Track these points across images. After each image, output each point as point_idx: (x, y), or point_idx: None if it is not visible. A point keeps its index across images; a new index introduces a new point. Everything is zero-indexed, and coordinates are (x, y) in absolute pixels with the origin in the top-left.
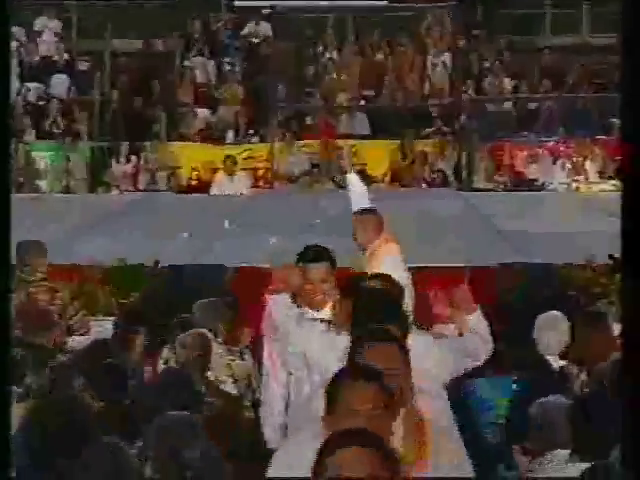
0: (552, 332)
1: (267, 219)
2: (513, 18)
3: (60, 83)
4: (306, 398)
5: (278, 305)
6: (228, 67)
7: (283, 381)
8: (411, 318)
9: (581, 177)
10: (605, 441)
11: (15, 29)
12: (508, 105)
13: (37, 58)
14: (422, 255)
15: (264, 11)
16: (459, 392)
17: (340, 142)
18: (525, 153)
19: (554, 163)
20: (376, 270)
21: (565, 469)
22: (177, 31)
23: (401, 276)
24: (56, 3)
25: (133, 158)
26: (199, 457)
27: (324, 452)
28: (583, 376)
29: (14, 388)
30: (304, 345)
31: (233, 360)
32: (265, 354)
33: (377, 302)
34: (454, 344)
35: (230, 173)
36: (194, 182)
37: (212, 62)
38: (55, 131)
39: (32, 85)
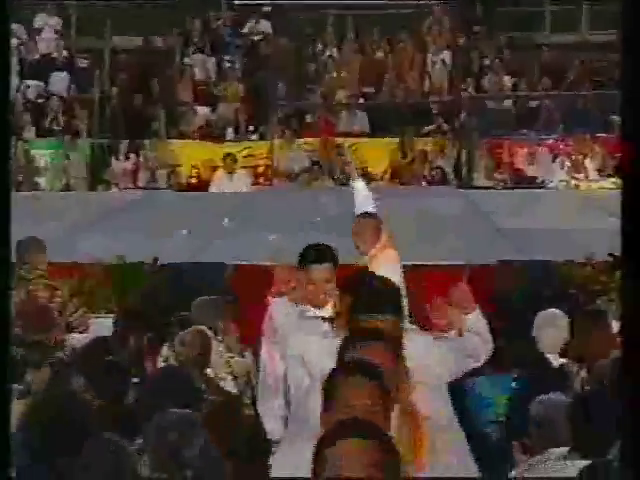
0: (552, 329)
1: (267, 217)
2: (513, 15)
3: (60, 81)
4: (304, 393)
5: (279, 308)
6: (228, 64)
7: (281, 375)
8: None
9: (581, 175)
10: (605, 439)
11: (15, 26)
12: (508, 103)
13: (37, 55)
14: (422, 253)
15: (264, 9)
16: (459, 390)
17: (340, 141)
18: (525, 151)
19: (554, 161)
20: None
21: (564, 467)
22: (177, 28)
23: (397, 282)
24: (56, 2)
25: (133, 156)
26: (199, 455)
27: (324, 443)
28: (583, 374)
29: (14, 386)
30: (303, 349)
31: (232, 357)
32: (263, 349)
33: (377, 291)
34: (454, 344)
35: (230, 171)
36: (194, 180)
37: (212, 59)
38: (55, 129)
39: (32, 83)
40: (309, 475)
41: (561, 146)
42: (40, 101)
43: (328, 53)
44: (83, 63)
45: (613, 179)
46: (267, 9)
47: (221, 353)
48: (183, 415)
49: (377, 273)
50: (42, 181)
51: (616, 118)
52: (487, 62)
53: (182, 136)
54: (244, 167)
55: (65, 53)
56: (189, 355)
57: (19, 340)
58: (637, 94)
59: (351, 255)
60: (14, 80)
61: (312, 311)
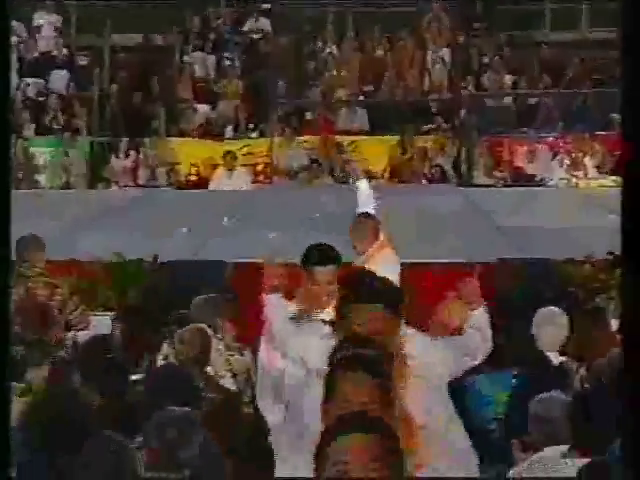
0: (551, 327)
1: (266, 214)
2: (512, 13)
3: (59, 78)
4: (302, 394)
5: (273, 307)
6: (228, 62)
7: (279, 376)
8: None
9: (580, 173)
10: (604, 437)
11: (14, 24)
12: (508, 100)
13: (36, 53)
14: (421, 251)
15: (264, 6)
16: (459, 388)
17: (340, 139)
18: (525, 149)
19: (553, 159)
20: None
21: (563, 466)
22: (176, 26)
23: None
24: (56, 0)
25: (132, 154)
26: (198, 453)
27: (325, 439)
28: (582, 372)
29: (14, 383)
30: (303, 351)
31: (232, 355)
32: (261, 349)
33: (371, 283)
34: (453, 343)
35: (230, 169)
36: (193, 178)
37: (212, 57)
38: (54, 126)
39: (31, 80)
40: (308, 475)
41: (561, 144)
42: (40, 99)
43: (328, 51)
44: (83, 61)
45: (613, 177)
46: (267, 7)
47: (221, 351)
48: (182, 413)
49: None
50: (42, 179)
51: (616, 116)
52: (487, 60)
53: (182, 134)
54: (244, 165)
55: (65, 51)
56: (189, 353)
57: (19, 338)
58: (637, 92)
59: (350, 254)
60: (13, 78)
61: (314, 313)
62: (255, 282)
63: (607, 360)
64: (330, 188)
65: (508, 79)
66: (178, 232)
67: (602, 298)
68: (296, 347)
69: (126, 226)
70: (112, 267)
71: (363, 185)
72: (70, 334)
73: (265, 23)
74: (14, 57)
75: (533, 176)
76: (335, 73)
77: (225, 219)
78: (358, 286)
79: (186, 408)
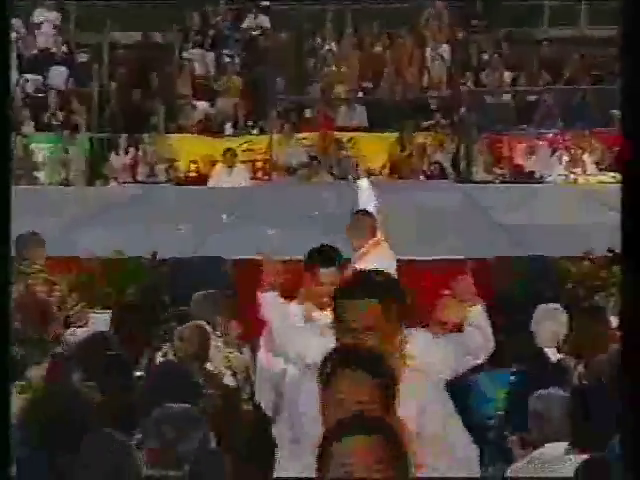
0: (550, 324)
1: (265, 211)
2: (512, 10)
3: (59, 75)
4: (299, 394)
5: (269, 305)
6: (227, 59)
7: (279, 377)
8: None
9: (579, 169)
10: (603, 433)
11: (13, 21)
12: (507, 97)
13: (35, 50)
14: (420, 248)
15: (263, 3)
16: (461, 387)
17: (339, 135)
18: (524, 145)
19: (552, 155)
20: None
21: (562, 466)
22: (176, 23)
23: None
24: None
25: (132, 150)
26: (197, 449)
27: (327, 442)
28: (581, 369)
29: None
30: (304, 352)
31: (231, 353)
32: (261, 350)
33: (365, 276)
34: (454, 340)
35: (230, 165)
36: (193, 174)
37: (211, 54)
38: (54, 123)
39: (30, 77)
40: (307, 475)
41: (560, 140)
42: (39, 95)
43: (327, 48)
44: (82, 58)
45: (612, 173)
46: (266, 3)
47: (219, 348)
48: (182, 410)
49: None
50: (41, 175)
51: (615, 112)
52: (486, 57)
53: (181, 130)
54: (243, 162)
55: (64, 48)
56: (188, 350)
57: (18, 334)
58: (637, 90)
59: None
60: (13, 74)
61: (317, 313)
62: (254, 279)
63: (606, 357)
64: (329, 185)
65: (507, 76)
66: (174, 230)
67: (601, 295)
68: (296, 347)
69: (125, 223)
70: (111, 264)
71: (364, 184)
72: (69, 331)
73: (264, 20)
74: (13, 54)
75: (532, 173)
76: (334, 70)
77: (224, 216)
78: (350, 283)
79: (185, 405)
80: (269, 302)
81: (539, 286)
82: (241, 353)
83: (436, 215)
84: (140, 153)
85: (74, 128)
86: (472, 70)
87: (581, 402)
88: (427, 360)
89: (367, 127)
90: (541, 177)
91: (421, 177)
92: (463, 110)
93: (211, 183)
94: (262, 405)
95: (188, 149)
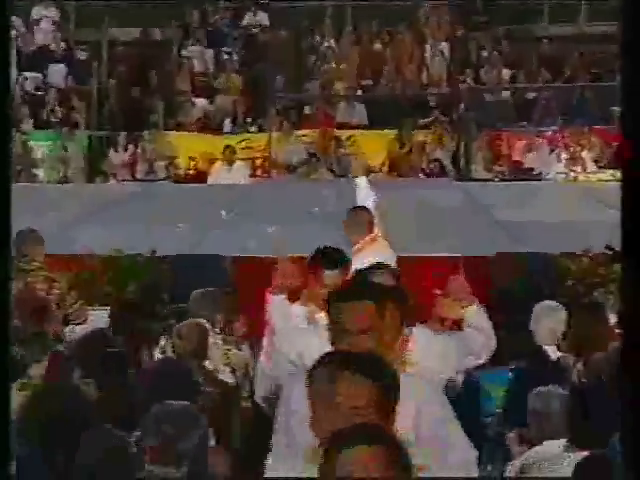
0: (549, 321)
1: (265, 208)
2: (511, 7)
3: (58, 72)
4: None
5: (277, 309)
6: (226, 56)
7: (279, 379)
8: None
9: (579, 167)
10: (602, 431)
11: (12, 18)
12: (506, 95)
13: (34, 47)
14: (419, 245)
15: (262, 0)
16: (464, 385)
17: (338, 133)
18: (523, 143)
19: (552, 153)
20: (359, 266)
21: (561, 458)
22: (175, 21)
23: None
24: None
25: (131, 148)
26: (197, 446)
27: (330, 451)
28: (580, 366)
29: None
30: (305, 353)
31: (230, 350)
32: (263, 351)
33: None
34: (455, 337)
35: (229, 163)
36: (192, 172)
37: (210, 51)
38: (53, 120)
39: (29, 74)
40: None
41: (559, 138)
42: (38, 93)
43: (326, 45)
44: (81, 55)
45: (611, 171)
46: (265, 0)
47: (219, 345)
48: (181, 407)
49: (364, 264)
50: (40, 173)
51: (615, 109)
52: (485, 54)
53: (180, 128)
54: (242, 159)
55: (63, 45)
56: (186, 347)
57: (17, 332)
58: (637, 88)
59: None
60: (12, 72)
61: (320, 315)
62: (254, 276)
63: (605, 355)
64: (329, 182)
65: (507, 73)
66: (173, 228)
67: (600, 292)
68: (298, 348)
69: (124, 220)
70: (110, 261)
71: (362, 182)
72: (68, 328)
73: (263, 17)
74: (13, 51)
75: (531, 170)
76: (334, 67)
77: (223, 213)
78: (345, 285)
79: (185, 402)
80: (276, 305)
81: (538, 283)
82: (240, 350)
83: (435, 212)
84: (139, 150)
85: (73, 125)
86: (472, 67)
87: (580, 400)
88: (428, 357)
89: (366, 124)
90: (540, 174)
91: (420, 175)
92: (462, 107)
93: (210, 180)
94: (261, 404)
95: (187, 146)
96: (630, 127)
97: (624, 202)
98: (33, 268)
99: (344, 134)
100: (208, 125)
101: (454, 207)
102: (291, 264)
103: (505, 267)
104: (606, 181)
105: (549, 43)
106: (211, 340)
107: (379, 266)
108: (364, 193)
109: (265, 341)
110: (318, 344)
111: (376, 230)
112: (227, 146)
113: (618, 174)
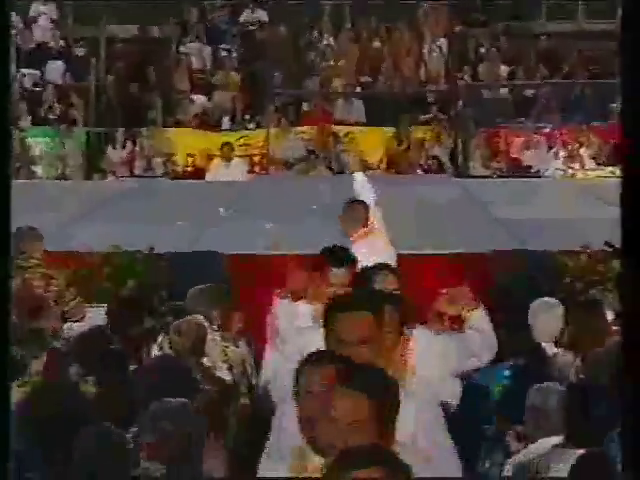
0: (547, 318)
1: (263, 205)
2: (510, 4)
3: (56, 69)
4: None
5: (283, 314)
6: (224, 53)
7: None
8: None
9: (577, 164)
10: (599, 428)
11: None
12: (504, 91)
13: (32, 44)
14: (417, 242)
15: None
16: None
17: (336, 129)
18: (521, 140)
19: (550, 150)
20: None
21: (559, 455)
22: (173, 17)
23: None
24: None
25: (129, 144)
26: (195, 443)
27: (332, 474)
28: (577, 363)
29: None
30: (309, 350)
31: (227, 347)
32: (266, 354)
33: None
34: (455, 337)
35: (227, 159)
36: (190, 168)
37: (208, 48)
38: (50, 117)
39: (27, 71)
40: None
41: (557, 135)
42: (36, 90)
43: (325, 42)
44: (79, 52)
45: (610, 168)
46: None
47: (216, 342)
48: (179, 404)
49: (358, 258)
50: (38, 169)
51: (613, 106)
52: (484, 50)
53: (178, 124)
54: (240, 156)
55: (61, 42)
56: (184, 344)
57: (15, 329)
58: (637, 86)
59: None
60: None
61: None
62: (252, 273)
63: (603, 351)
64: (327, 179)
65: (505, 70)
66: (172, 225)
67: (598, 289)
68: (300, 347)
69: (122, 217)
70: (108, 258)
71: (359, 177)
72: (66, 325)
73: (262, 14)
74: (12, 48)
75: (530, 167)
76: (332, 64)
77: (222, 210)
78: (343, 296)
79: (182, 399)
80: (282, 309)
81: (536, 280)
82: (237, 347)
83: (434, 209)
84: (137, 147)
85: (71, 122)
86: (470, 64)
87: (578, 396)
88: (428, 357)
89: (365, 121)
90: (538, 171)
91: (419, 171)
92: (460, 104)
93: (209, 177)
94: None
95: (185, 143)
96: (630, 124)
97: (624, 200)
98: (31, 265)
99: (342, 131)
100: (206, 122)
101: (452, 204)
102: (302, 271)
103: (503, 264)
104: (604, 178)
105: (547, 40)
106: (209, 337)
107: (382, 266)
108: (362, 189)
109: (269, 340)
110: (320, 344)
111: (375, 224)
112: (225, 143)
113: (616, 171)
